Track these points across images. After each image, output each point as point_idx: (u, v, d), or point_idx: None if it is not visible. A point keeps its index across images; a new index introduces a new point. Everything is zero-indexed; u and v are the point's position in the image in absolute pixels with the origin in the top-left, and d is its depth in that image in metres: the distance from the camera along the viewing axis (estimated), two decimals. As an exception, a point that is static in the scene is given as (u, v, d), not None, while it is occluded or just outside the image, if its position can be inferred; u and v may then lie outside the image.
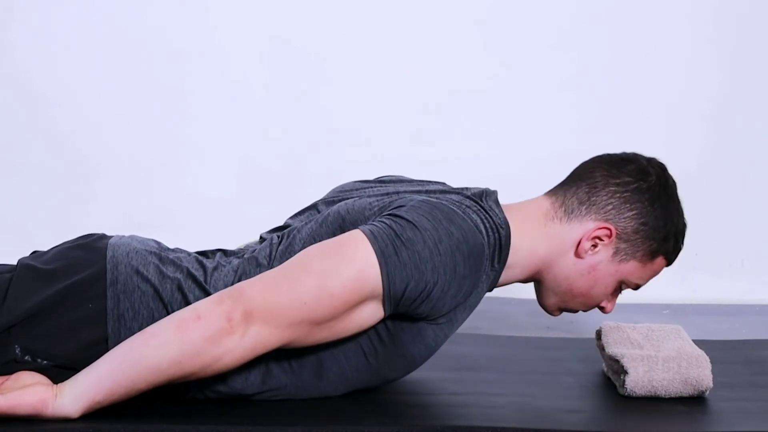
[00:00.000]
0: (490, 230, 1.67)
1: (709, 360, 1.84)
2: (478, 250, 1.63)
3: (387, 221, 1.61)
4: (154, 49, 3.10)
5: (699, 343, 1.96)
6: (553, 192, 1.79)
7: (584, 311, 1.83)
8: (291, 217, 1.84)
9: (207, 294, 1.64)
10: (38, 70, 3.09)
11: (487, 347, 2.13)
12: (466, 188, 1.75)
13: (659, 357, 1.84)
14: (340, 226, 1.68)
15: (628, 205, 1.74)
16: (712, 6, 3.15)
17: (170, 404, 1.64)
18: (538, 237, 1.74)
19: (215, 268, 1.68)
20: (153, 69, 3.11)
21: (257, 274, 1.66)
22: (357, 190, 1.82)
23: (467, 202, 1.69)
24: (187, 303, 1.63)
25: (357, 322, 1.62)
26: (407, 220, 1.60)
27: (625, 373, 1.82)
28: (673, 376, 1.82)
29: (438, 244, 1.59)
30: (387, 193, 1.75)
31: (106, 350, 1.58)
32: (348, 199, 1.77)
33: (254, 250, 1.73)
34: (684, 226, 1.79)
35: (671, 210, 1.76)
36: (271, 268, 1.66)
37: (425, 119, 3.15)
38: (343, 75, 3.14)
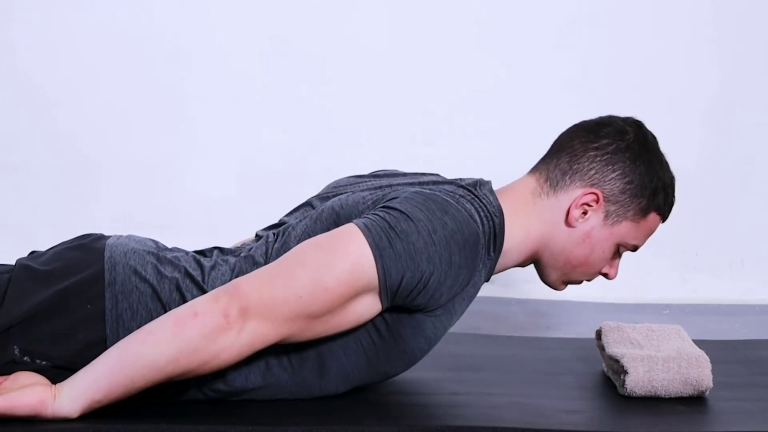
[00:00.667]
0: (484, 218, 1.67)
1: (709, 360, 1.84)
2: (474, 240, 1.63)
3: (380, 213, 1.62)
4: (154, 49, 3.10)
5: (699, 343, 1.96)
6: (536, 168, 1.80)
7: (588, 281, 1.83)
8: (286, 215, 1.85)
9: (204, 293, 1.63)
10: (38, 70, 3.09)
11: (487, 347, 2.13)
12: (460, 179, 1.76)
13: (659, 357, 1.84)
14: (335, 221, 1.68)
15: (610, 167, 1.74)
16: (712, 6, 3.15)
17: (170, 404, 1.64)
18: (529, 216, 1.75)
19: (212, 267, 1.68)
20: (153, 69, 3.11)
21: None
22: (351, 185, 1.82)
23: (461, 191, 1.69)
24: (185, 302, 1.63)
25: (355, 315, 1.61)
26: (401, 211, 1.61)
27: (625, 373, 1.82)
28: (673, 376, 1.82)
29: (432, 235, 1.59)
30: (380, 187, 1.76)
31: (105, 350, 1.58)
32: (342, 194, 1.78)
33: (251, 249, 1.73)
34: (671, 178, 1.79)
35: (655, 164, 1.76)
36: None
37: (425, 119, 3.15)
38: (343, 75, 3.14)
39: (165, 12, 3.10)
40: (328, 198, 1.80)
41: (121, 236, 1.73)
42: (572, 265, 1.78)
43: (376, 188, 1.75)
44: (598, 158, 1.74)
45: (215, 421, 1.59)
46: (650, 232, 1.80)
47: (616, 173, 1.74)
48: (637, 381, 1.81)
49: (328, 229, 1.66)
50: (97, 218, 2.95)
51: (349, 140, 3.13)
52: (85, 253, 1.68)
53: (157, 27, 3.09)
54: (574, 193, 1.74)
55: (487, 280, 1.75)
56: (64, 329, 1.60)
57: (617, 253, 1.80)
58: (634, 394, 1.82)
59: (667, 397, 1.83)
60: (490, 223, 1.68)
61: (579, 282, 1.83)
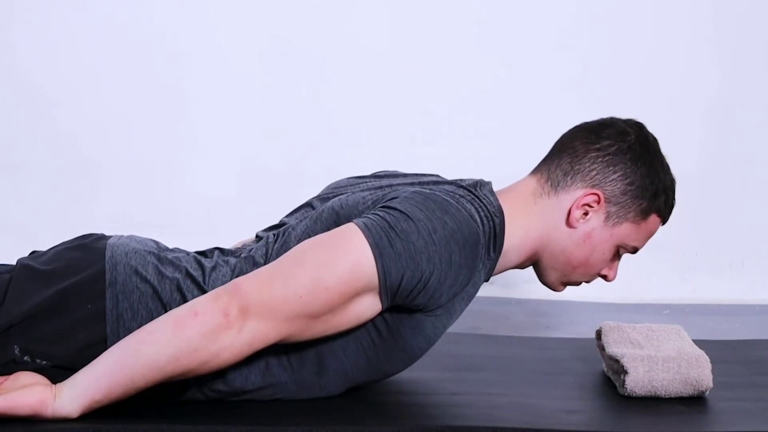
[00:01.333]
0: (484, 218, 1.67)
1: (709, 360, 1.84)
2: (474, 239, 1.63)
3: (380, 213, 1.62)
4: (153, 49, 3.10)
5: (699, 343, 1.96)
6: (538, 169, 1.80)
7: (587, 282, 1.83)
8: (286, 215, 1.85)
9: (205, 293, 1.63)
10: (38, 70, 3.09)
11: (487, 347, 2.13)
12: (461, 179, 1.76)
13: (659, 357, 1.84)
14: (335, 221, 1.68)
15: (611, 168, 1.74)
16: (712, 6, 3.15)
17: (170, 404, 1.64)
18: (530, 217, 1.75)
19: (213, 268, 1.68)
20: (153, 69, 3.11)
21: (253, 271, 1.66)
22: (351, 185, 1.82)
23: (461, 191, 1.69)
24: (186, 303, 1.63)
25: (355, 315, 1.61)
26: (400, 211, 1.61)
27: (625, 373, 1.82)
28: (673, 376, 1.82)
29: (432, 234, 1.59)
30: (380, 187, 1.76)
31: (105, 350, 1.58)
32: (342, 194, 1.78)
33: (251, 249, 1.73)
34: (672, 181, 1.79)
35: (656, 166, 1.76)
36: (267, 266, 1.67)
37: (425, 119, 3.15)
38: (343, 75, 3.14)
39: (164, 12, 3.10)
40: (328, 198, 1.80)
41: (122, 236, 1.73)
42: (572, 265, 1.78)
43: (376, 188, 1.75)
44: (600, 159, 1.74)
45: (215, 421, 1.59)
46: (650, 234, 1.80)
47: (618, 174, 1.74)
48: (637, 381, 1.81)
49: (328, 229, 1.67)
50: (97, 218, 2.95)
51: (349, 140, 3.13)
52: (86, 253, 1.68)
53: (156, 27, 3.09)
54: (576, 194, 1.74)
55: (486, 280, 1.75)
56: (65, 329, 1.60)
57: (617, 255, 1.80)
58: (634, 394, 1.82)
59: (667, 397, 1.83)
60: (491, 223, 1.68)
61: (578, 283, 1.83)
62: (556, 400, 1.80)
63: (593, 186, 1.74)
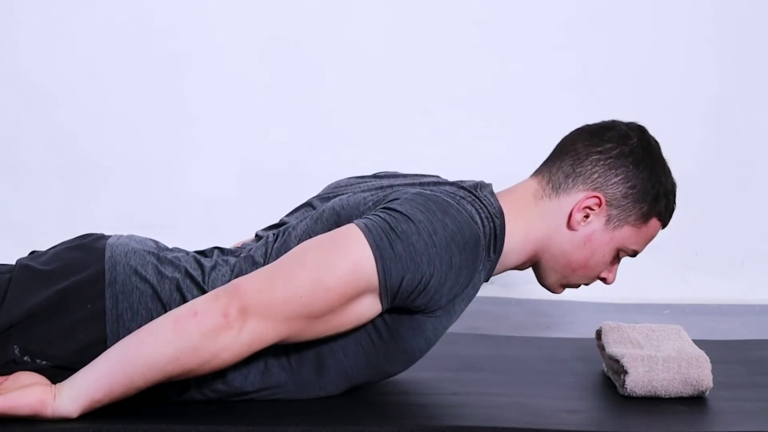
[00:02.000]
0: (485, 219, 1.68)
1: (709, 360, 1.84)
2: (474, 241, 1.63)
3: (381, 214, 1.62)
4: (154, 49, 3.10)
5: (699, 343, 1.96)
6: (539, 171, 1.80)
7: (586, 285, 1.83)
8: (287, 215, 1.85)
9: (205, 293, 1.64)
10: (38, 70, 3.09)
11: (487, 347, 2.13)
12: (461, 180, 1.76)
13: (659, 357, 1.84)
14: (336, 222, 1.69)
15: (613, 171, 1.74)
16: (712, 6, 3.15)
17: (170, 404, 1.64)
18: (531, 218, 1.75)
19: (213, 268, 1.68)
20: (153, 69, 3.11)
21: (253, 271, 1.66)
22: (352, 185, 1.82)
23: (461, 192, 1.69)
24: (186, 302, 1.63)
25: (355, 316, 1.61)
26: (401, 212, 1.61)
27: (625, 373, 1.82)
28: (673, 376, 1.82)
29: (433, 236, 1.59)
30: (381, 187, 1.76)
31: (105, 350, 1.58)
32: (343, 194, 1.78)
33: (251, 249, 1.73)
34: (673, 185, 1.79)
35: (657, 170, 1.76)
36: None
37: (425, 119, 3.15)
38: (343, 75, 3.14)
39: (165, 12, 3.10)
40: (328, 198, 1.80)
41: (121, 236, 1.73)
42: (572, 268, 1.78)
43: (377, 189, 1.75)
44: (602, 162, 1.74)
45: (215, 421, 1.59)
46: (650, 238, 1.80)
47: (619, 177, 1.74)
48: (637, 381, 1.81)
49: (329, 229, 1.67)
50: (97, 218, 2.95)
51: (348, 140, 3.13)
52: (86, 252, 1.68)
53: (156, 27, 3.09)
54: (577, 196, 1.74)
55: (486, 281, 1.75)
56: (64, 329, 1.60)
57: (617, 258, 1.80)
58: (634, 394, 1.82)
59: (667, 397, 1.83)
60: (491, 224, 1.68)
61: (577, 286, 1.83)
62: (556, 400, 1.80)
63: (594, 189, 1.74)
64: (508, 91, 3.14)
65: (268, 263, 1.67)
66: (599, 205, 1.74)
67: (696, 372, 1.82)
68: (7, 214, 3.09)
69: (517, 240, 1.73)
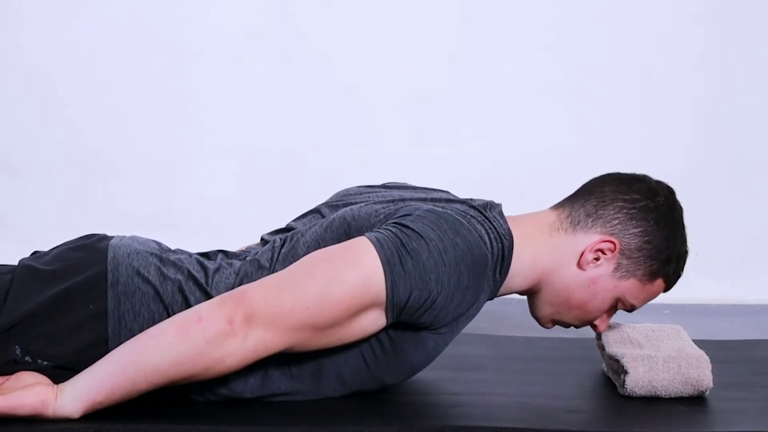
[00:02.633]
0: (494, 240, 1.68)
1: (709, 360, 1.84)
2: (482, 262, 1.64)
3: (393, 230, 1.62)
4: (154, 49, 3.10)
5: (699, 343, 1.96)
6: (561, 204, 1.80)
7: (577, 326, 1.84)
8: (294, 220, 1.85)
9: (208, 295, 1.64)
10: (40, 70, 3.09)
11: (487, 347, 2.13)
12: (471, 199, 1.76)
13: (659, 357, 1.84)
14: (346, 231, 1.69)
15: (634, 222, 1.74)
16: (699, 4, 3.15)
17: (170, 405, 1.64)
18: (542, 246, 1.75)
19: (216, 270, 1.68)
20: (156, 70, 3.11)
21: (259, 276, 1.66)
22: (361, 194, 1.83)
23: (472, 212, 1.70)
24: (188, 304, 1.63)
25: (359, 329, 1.62)
26: (413, 229, 1.61)
27: (626, 373, 1.82)
28: (673, 376, 1.82)
29: (443, 255, 1.60)
30: (393, 200, 1.76)
31: (107, 351, 1.58)
32: (353, 204, 1.78)
33: (256, 253, 1.73)
34: (686, 252, 1.80)
35: (676, 233, 1.77)
36: (272, 270, 1.67)
37: (425, 119, 3.15)
38: (343, 75, 3.14)
39: (165, 12, 3.10)
40: (337, 206, 1.80)
41: (124, 237, 1.73)
42: (569, 305, 1.78)
43: (388, 201, 1.75)
44: (625, 210, 1.75)
45: (215, 422, 1.59)
46: (651, 297, 1.81)
47: (638, 230, 1.74)
48: (637, 381, 1.81)
49: (339, 239, 1.67)
50: (97, 218, 2.94)
51: (349, 140, 3.13)
52: (88, 253, 1.68)
53: (157, 27, 3.09)
54: (593, 237, 1.75)
55: (490, 299, 1.76)
56: (66, 329, 1.60)
57: (613, 308, 1.81)
58: (634, 394, 1.82)
59: (667, 397, 1.83)
60: (499, 245, 1.69)
61: (567, 325, 1.84)
62: (556, 400, 1.80)
63: (612, 234, 1.74)
64: (502, 91, 3.15)
65: (274, 268, 1.67)
66: (612, 251, 1.74)
67: (696, 372, 1.82)
68: (8, 215, 3.09)
69: (524, 265, 1.74)
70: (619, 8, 3.14)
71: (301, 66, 3.12)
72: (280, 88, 3.13)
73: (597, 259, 1.75)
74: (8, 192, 3.10)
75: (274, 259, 1.69)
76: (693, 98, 3.17)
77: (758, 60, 3.17)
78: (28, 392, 1.52)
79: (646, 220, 1.75)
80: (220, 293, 1.64)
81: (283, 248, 1.70)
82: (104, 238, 1.73)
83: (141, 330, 1.60)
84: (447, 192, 1.82)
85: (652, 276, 1.77)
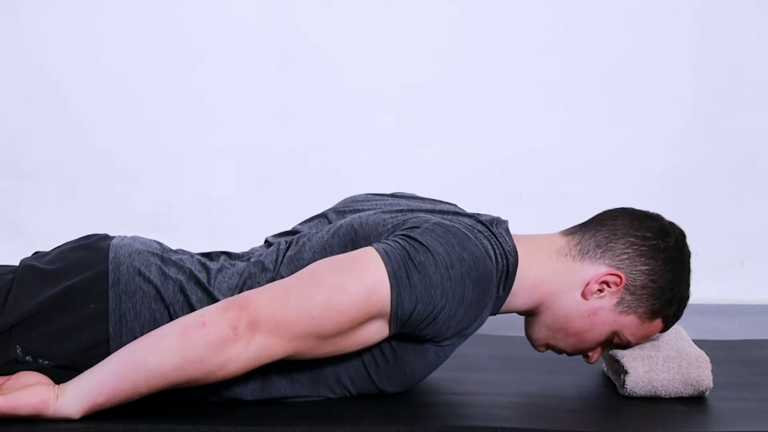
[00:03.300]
0: (499, 257, 1.68)
1: (709, 360, 1.84)
2: (487, 277, 1.65)
3: (401, 242, 1.62)
4: (155, 49, 3.10)
5: (699, 343, 1.96)
6: (571, 231, 1.81)
7: (569, 354, 1.84)
8: (300, 224, 1.85)
9: (210, 295, 1.64)
10: (40, 70, 3.09)
11: (487, 347, 2.13)
12: (478, 213, 1.76)
13: (659, 357, 1.84)
14: (352, 239, 1.69)
15: (642, 259, 1.75)
16: (695, 4, 3.15)
17: (170, 405, 1.64)
18: (547, 269, 1.75)
19: (219, 270, 1.68)
20: (156, 69, 3.11)
21: (263, 278, 1.66)
22: (369, 201, 1.83)
23: (479, 227, 1.70)
24: (189, 304, 1.63)
25: (362, 338, 1.63)
26: (421, 243, 1.61)
27: (625, 373, 1.82)
28: (673, 376, 1.82)
29: (449, 270, 1.60)
30: (401, 210, 1.75)
31: (107, 351, 1.58)
32: (361, 211, 1.78)
33: (261, 254, 1.73)
34: (688, 296, 1.81)
35: (681, 276, 1.78)
36: (277, 273, 1.67)
37: (425, 119, 3.15)
38: (344, 75, 3.14)
39: (167, 12, 3.10)
40: (344, 213, 1.81)
41: (125, 237, 1.74)
42: (566, 332, 1.78)
43: (396, 211, 1.75)
44: (635, 246, 1.75)
45: (215, 422, 1.59)
46: (647, 336, 1.82)
47: (646, 267, 1.75)
48: (637, 381, 1.81)
49: (345, 245, 1.68)
50: (98, 218, 2.95)
51: (350, 140, 3.13)
52: (89, 252, 1.68)
53: (159, 26, 3.09)
54: (600, 269, 1.75)
55: (493, 315, 1.76)
56: (67, 329, 1.60)
57: (609, 341, 1.81)
58: (634, 394, 1.82)
59: (667, 397, 1.83)
60: (504, 261, 1.69)
61: (560, 352, 1.84)
62: (556, 400, 1.81)
63: (619, 268, 1.75)
64: (497, 92, 3.15)
65: (278, 270, 1.67)
66: (618, 285, 1.74)
67: (696, 372, 1.82)
68: (9, 215, 3.09)
69: (527, 284, 1.74)
70: (616, 8, 3.14)
71: (302, 66, 3.12)
72: (281, 88, 3.13)
73: (601, 290, 1.75)
74: (9, 192, 3.10)
75: (279, 262, 1.69)
76: (693, 97, 3.16)
77: (758, 59, 3.17)
78: (29, 392, 1.52)
79: (654, 259, 1.75)
80: (222, 293, 1.64)
81: (288, 251, 1.71)
82: (105, 238, 1.73)
83: (142, 329, 1.60)
84: (455, 205, 1.83)
85: (652, 315, 1.77)
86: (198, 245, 1.83)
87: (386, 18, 3.14)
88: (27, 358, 1.59)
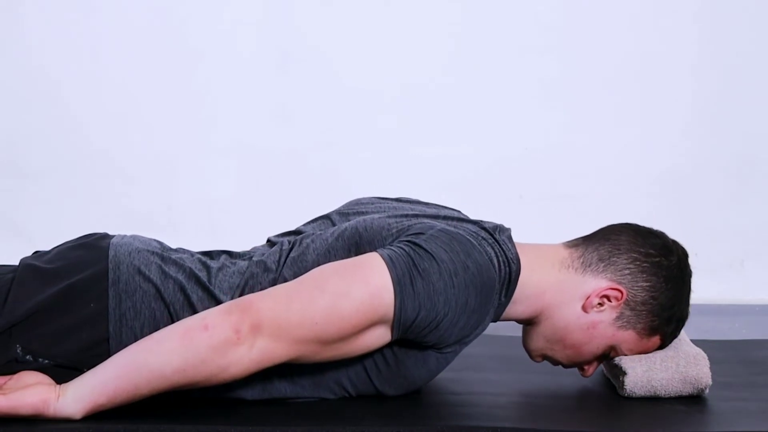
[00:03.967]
0: (502, 264, 1.68)
1: (707, 357, 1.84)
2: (490, 285, 1.65)
3: (406, 248, 1.62)
4: (156, 49, 3.10)
5: (699, 343, 1.96)
6: (574, 243, 1.80)
7: (565, 366, 1.83)
8: (303, 224, 1.84)
9: (210, 294, 1.64)
10: (40, 70, 3.09)
11: (488, 347, 2.13)
12: (482, 221, 1.76)
13: (657, 356, 1.84)
14: (357, 242, 1.69)
15: (644, 275, 1.75)
16: (695, 4, 3.15)
17: (171, 404, 1.64)
18: (549, 279, 1.75)
19: (220, 269, 1.68)
20: (156, 69, 3.11)
21: (265, 278, 1.66)
22: (373, 204, 1.83)
23: (483, 233, 1.70)
24: (190, 303, 1.63)
25: (364, 344, 1.63)
26: (426, 249, 1.61)
27: (624, 373, 1.82)
28: (672, 374, 1.82)
29: (453, 277, 1.61)
30: (405, 215, 1.75)
31: (107, 350, 1.58)
32: (365, 214, 1.78)
33: (263, 254, 1.72)
34: (687, 315, 1.81)
35: (681, 295, 1.77)
36: (279, 273, 1.67)
37: (425, 120, 3.15)
38: (344, 75, 3.14)
39: (167, 13, 3.10)
40: (348, 215, 1.80)
41: (125, 236, 1.74)
42: (564, 344, 1.78)
43: (401, 216, 1.75)
44: (638, 262, 1.75)
45: (215, 421, 1.59)
46: (643, 352, 1.81)
47: (647, 284, 1.75)
48: (636, 381, 1.81)
49: (348, 249, 1.68)
50: (98, 217, 2.95)
51: (351, 141, 3.14)
52: (89, 251, 1.68)
53: (159, 26, 3.10)
54: (601, 283, 1.75)
55: (494, 321, 1.76)
56: (67, 328, 1.60)
57: (605, 355, 1.81)
58: (634, 395, 1.82)
59: (666, 396, 1.83)
60: (507, 269, 1.69)
61: (556, 363, 1.84)
62: (556, 400, 1.81)
63: (620, 283, 1.74)
64: (496, 92, 3.15)
65: (280, 271, 1.67)
66: (618, 300, 1.74)
67: (695, 370, 1.82)
68: (9, 215, 3.09)
69: (528, 293, 1.74)
70: (616, 8, 3.14)
71: (302, 66, 3.12)
72: (281, 88, 3.13)
73: (601, 304, 1.75)
74: (9, 192, 3.10)
75: (282, 263, 1.69)
76: (693, 97, 3.17)
77: (758, 59, 3.17)
78: (30, 392, 1.52)
79: (656, 276, 1.75)
80: (222, 292, 1.64)
81: (291, 252, 1.70)
82: (105, 237, 1.73)
83: (142, 329, 1.60)
84: (459, 211, 1.82)
85: (651, 331, 1.77)
86: (198, 245, 1.83)
87: (386, 18, 3.14)
88: (27, 357, 1.59)
